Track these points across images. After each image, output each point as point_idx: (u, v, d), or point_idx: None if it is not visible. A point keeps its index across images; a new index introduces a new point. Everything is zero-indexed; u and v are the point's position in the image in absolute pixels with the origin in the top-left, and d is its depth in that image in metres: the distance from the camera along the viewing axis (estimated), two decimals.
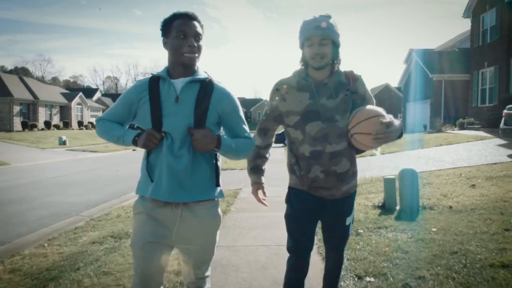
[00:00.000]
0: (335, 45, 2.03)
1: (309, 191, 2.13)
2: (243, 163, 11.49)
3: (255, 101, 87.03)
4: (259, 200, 2.31)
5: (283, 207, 2.28)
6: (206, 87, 1.92)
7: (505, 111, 9.79)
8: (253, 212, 5.88)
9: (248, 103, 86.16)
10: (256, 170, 2.31)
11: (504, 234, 3.98)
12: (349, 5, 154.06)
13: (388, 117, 1.97)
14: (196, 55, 1.87)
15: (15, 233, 5.40)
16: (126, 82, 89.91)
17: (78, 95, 46.14)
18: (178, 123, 1.85)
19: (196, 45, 1.86)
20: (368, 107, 2.07)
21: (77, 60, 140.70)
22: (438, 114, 24.96)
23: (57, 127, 39.06)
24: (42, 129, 37.12)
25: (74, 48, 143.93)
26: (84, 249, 4.22)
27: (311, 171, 2.08)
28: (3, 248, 4.73)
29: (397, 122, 1.99)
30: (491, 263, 3.18)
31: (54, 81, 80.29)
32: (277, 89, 2.15)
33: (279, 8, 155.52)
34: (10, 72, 69.39)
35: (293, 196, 2.19)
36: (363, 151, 2.18)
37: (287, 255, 2.25)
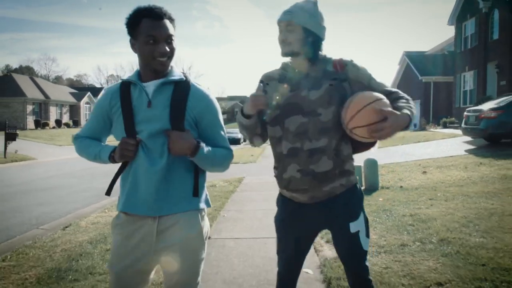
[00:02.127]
0: (309, 32, 1.84)
1: (291, 198, 1.95)
2: (246, 157, 13.87)
3: None
4: (258, 97, 1.84)
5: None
6: (182, 88, 1.75)
7: (465, 112, 11.62)
8: (253, 192, 7.75)
9: None
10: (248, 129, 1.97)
11: (427, 202, 5.82)
12: (351, 5, 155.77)
13: (385, 103, 1.74)
14: (169, 60, 1.73)
15: (73, 206, 7.25)
16: None
17: (87, 95, 48.13)
18: (152, 129, 1.70)
19: (168, 49, 1.69)
20: (363, 93, 1.80)
21: (80, 59, 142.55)
22: (427, 113, 26.80)
23: (67, 125, 41.12)
24: (53, 127, 39.14)
25: (78, 47, 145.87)
26: None
27: (287, 171, 1.88)
28: (72, 215, 6.57)
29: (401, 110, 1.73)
30: (405, 214, 5.02)
31: (58, 80, 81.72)
32: (261, 81, 2.01)
33: (281, 6, 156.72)
34: (15, 71, 71.34)
35: (280, 200, 2.05)
36: (365, 148, 1.98)
37: None
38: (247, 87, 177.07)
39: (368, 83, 1.88)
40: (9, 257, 4.14)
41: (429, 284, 2.84)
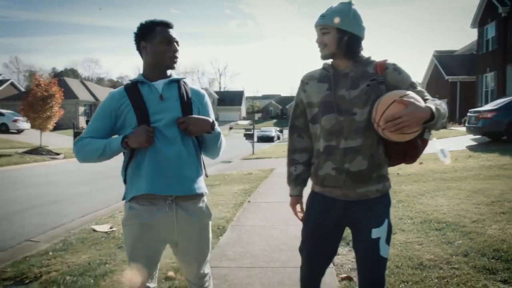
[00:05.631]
0: (343, 32, 1.86)
1: (323, 193, 1.98)
2: (279, 153, 16.70)
3: (292, 99, 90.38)
4: (295, 213, 2.14)
5: None
6: (184, 85, 2.05)
7: (468, 113, 13.30)
8: (281, 178, 9.81)
9: (284, 101, 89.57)
10: (290, 179, 2.12)
11: (409, 182, 7.80)
12: None
13: (412, 96, 1.69)
14: (177, 59, 2.00)
15: None
16: None
17: None
18: (166, 118, 1.92)
19: (178, 49, 1.99)
20: (392, 91, 1.78)
21: (120, 60, 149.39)
22: (454, 112, 27.99)
23: None
24: None
25: (118, 48, 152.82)
26: None
27: (323, 168, 1.92)
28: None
29: (422, 103, 1.69)
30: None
31: (100, 82, 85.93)
32: (301, 81, 2.06)
33: (313, 2, 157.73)
34: (61, 73, 76.56)
35: (310, 198, 2.07)
36: (402, 157, 1.95)
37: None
38: (281, 85, 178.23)
39: (406, 90, 1.81)
40: (118, 212, 6.52)
41: None
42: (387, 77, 1.86)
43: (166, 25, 1.97)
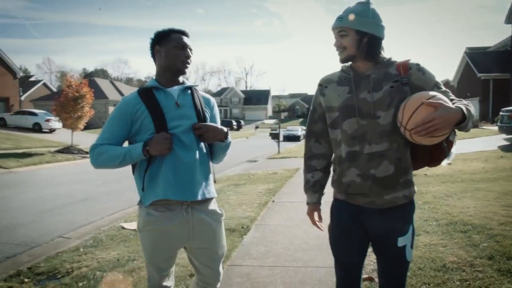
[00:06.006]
0: (362, 33, 1.79)
1: (347, 200, 1.90)
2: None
3: None
4: (313, 223, 2.08)
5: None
6: (196, 92, 2.11)
7: (500, 112, 12.90)
8: None
9: (310, 99, 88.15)
10: (307, 186, 2.07)
11: (436, 183, 7.67)
12: None
13: (440, 98, 1.64)
14: (188, 65, 2.04)
15: None
16: (194, 81, 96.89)
17: None
18: (184, 125, 1.97)
19: (190, 54, 2.03)
20: (418, 93, 1.71)
21: (146, 60, 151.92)
22: (487, 111, 27.14)
23: None
24: None
25: (145, 49, 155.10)
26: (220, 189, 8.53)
27: (346, 175, 1.85)
28: None
29: (450, 104, 1.62)
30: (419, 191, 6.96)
31: (129, 81, 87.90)
32: (319, 85, 1.98)
33: (342, 0, 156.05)
34: (91, 74, 78.72)
35: (334, 206, 1.99)
36: (428, 160, 1.87)
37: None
38: (308, 84, 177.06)
39: (431, 90, 1.76)
40: None
41: None
42: (411, 78, 1.79)
43: (182, 33, 2.05)
